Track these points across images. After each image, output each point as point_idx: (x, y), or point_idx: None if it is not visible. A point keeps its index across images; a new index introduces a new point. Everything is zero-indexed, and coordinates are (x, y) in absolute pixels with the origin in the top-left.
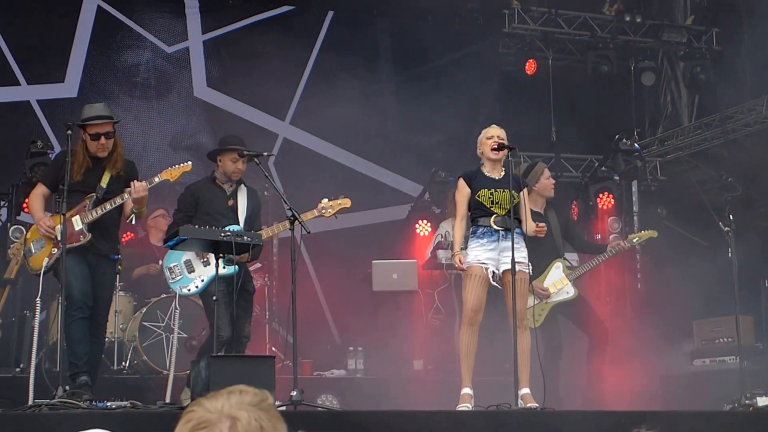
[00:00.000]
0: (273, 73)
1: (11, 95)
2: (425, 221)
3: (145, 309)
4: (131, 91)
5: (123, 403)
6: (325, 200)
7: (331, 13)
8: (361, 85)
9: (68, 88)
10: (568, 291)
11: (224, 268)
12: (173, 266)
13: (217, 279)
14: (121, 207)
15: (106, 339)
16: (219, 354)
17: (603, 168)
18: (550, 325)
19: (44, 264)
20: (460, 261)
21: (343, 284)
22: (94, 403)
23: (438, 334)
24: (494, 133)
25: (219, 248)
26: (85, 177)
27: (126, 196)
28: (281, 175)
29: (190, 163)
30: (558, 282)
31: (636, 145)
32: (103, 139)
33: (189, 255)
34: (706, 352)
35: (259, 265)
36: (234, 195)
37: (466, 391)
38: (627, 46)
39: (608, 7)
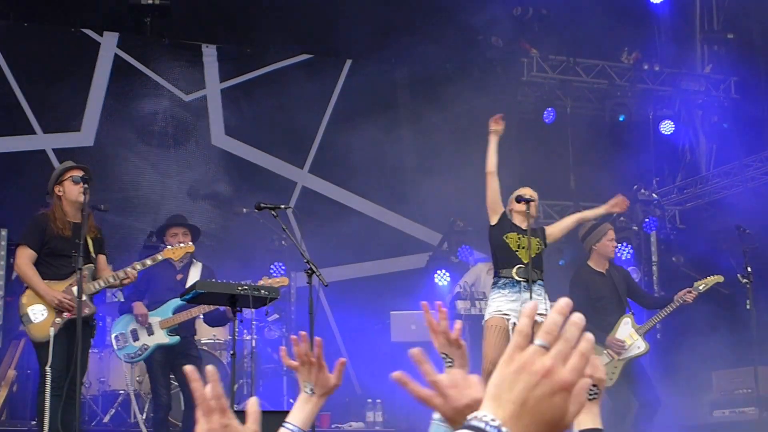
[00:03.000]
0: (291, 121)
1: (27, 144)
2: (444, 271)
3: None
4: (149, 140)
5: None
6: (265, 277)
7: (349, 62)
8: (379, 133)
9: (85, 137)
10: (639, 346)
11: (167, 338)
12: (119, 335)
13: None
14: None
15: (122, 391)
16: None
17: (621, 218)
18: (619, 386)
19: (51, 334)
20: None
21: (363, 334)
22: None
23: None
24: (524, 193)
25: (236, 302)
26: (72, 236)
27: (121, 275)
28: (299, 223)
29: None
30: (628, 337)
31: (654, 195)
32: (83, 183)
33: (135, 325)
34: (725, 402)
35: (276, 316)
36: (185, 271)
37: None
38: (645, 94)
39: (626, 56)
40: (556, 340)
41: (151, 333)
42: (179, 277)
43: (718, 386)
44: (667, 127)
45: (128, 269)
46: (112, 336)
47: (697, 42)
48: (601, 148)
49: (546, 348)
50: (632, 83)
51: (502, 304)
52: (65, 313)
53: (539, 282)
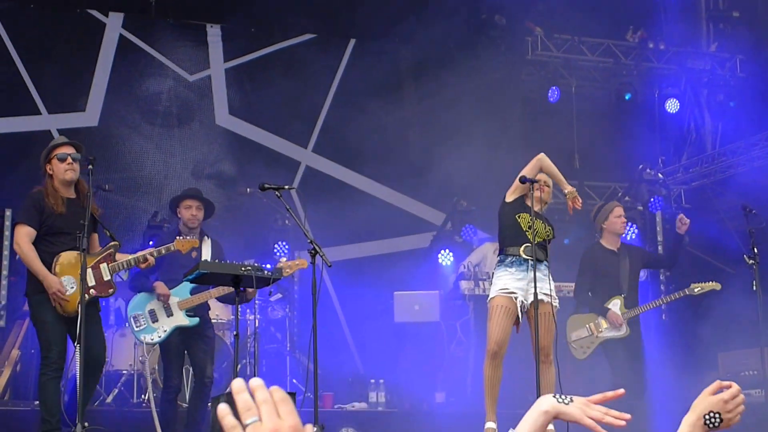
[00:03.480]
0: (295, 100)
1: (32, 125)
2: (447, 251)
3: None
4: (153, 120)
5: None
6: (284, 259)
7: (353, 41)
8: (382, 113)
9: (89, 117)
10: (620, 330)
11: (187, 319)
12: (137, 315)
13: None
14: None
15: (125, 371)
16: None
17: (626, 198)
18: (625, 361)
19: (79, 309)
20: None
21: (366, 313)
22: None
23: (460, 366)
24: (542, 179)
25: (239, 282)
26: (67, 213)
27: (140, 258)
28: (303, 203)
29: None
30: None
31: (660, 175)
32: (70, 159)
33: (153, 305)
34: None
35: (279, 295)
36: (198, 248)
37: (490, 425)
38: (651, 73)
39: (631, 34)
40: (258, 408)
41: (170, 314)
42: (194, 254)
43: (723, 368)
44: (672, 105)
45: (148, 255)
46: (130, 317)
47: (703, 20)
48: (605, 127)
49: (258, 420)
50: (637, 62)
51: (509, 282)
52: (92, 290)
53: (545, 262)
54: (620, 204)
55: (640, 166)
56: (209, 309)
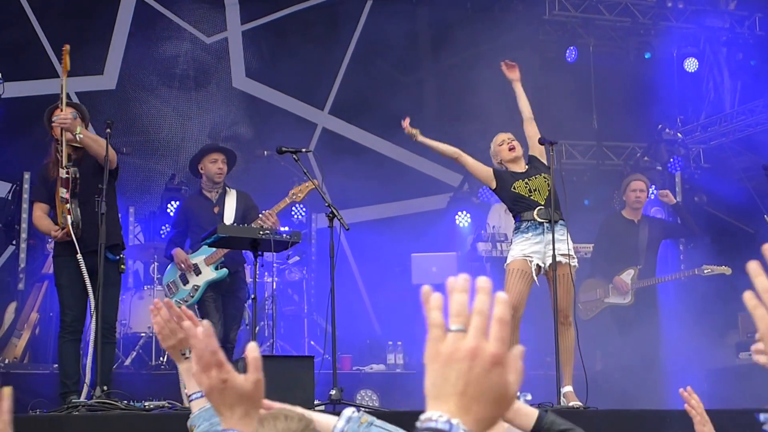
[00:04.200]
0: (312, 62)
1: (49, 87)
2: (465, 212)
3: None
4: (170, 83)
5: (160, 403)
6: (297, 186)
7: (370, 2)
8: (399, 74)
9: (107, 80)
10: (626, 297)
11: (215, 272)
12: (170, 283)
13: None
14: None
15: (144, 333)
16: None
17: (645, 158)
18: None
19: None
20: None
21: (384, 275)
22: (131, 403)
23: None
24: (503, 137)
25: (257, 246)
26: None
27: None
28: (320, 165)
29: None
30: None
31: (678, 134)
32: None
33: None
34: (751, 344)
35: (297, 258)
36: (220, 202)
37: None
38: (669, 32)
39: None
40: (469, 319)
41: (198, 273)
42: (216, 209)
43: (743, 328)
44: (691, 65)
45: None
46: (164, 286)
47: None
48: (624, 87)
49: (463, 330)
50: (656, 21)
51: (526, 247)
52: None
53: (561, 222)
54: (641, 178)
55: (659, 126)
56: (244, 260)
